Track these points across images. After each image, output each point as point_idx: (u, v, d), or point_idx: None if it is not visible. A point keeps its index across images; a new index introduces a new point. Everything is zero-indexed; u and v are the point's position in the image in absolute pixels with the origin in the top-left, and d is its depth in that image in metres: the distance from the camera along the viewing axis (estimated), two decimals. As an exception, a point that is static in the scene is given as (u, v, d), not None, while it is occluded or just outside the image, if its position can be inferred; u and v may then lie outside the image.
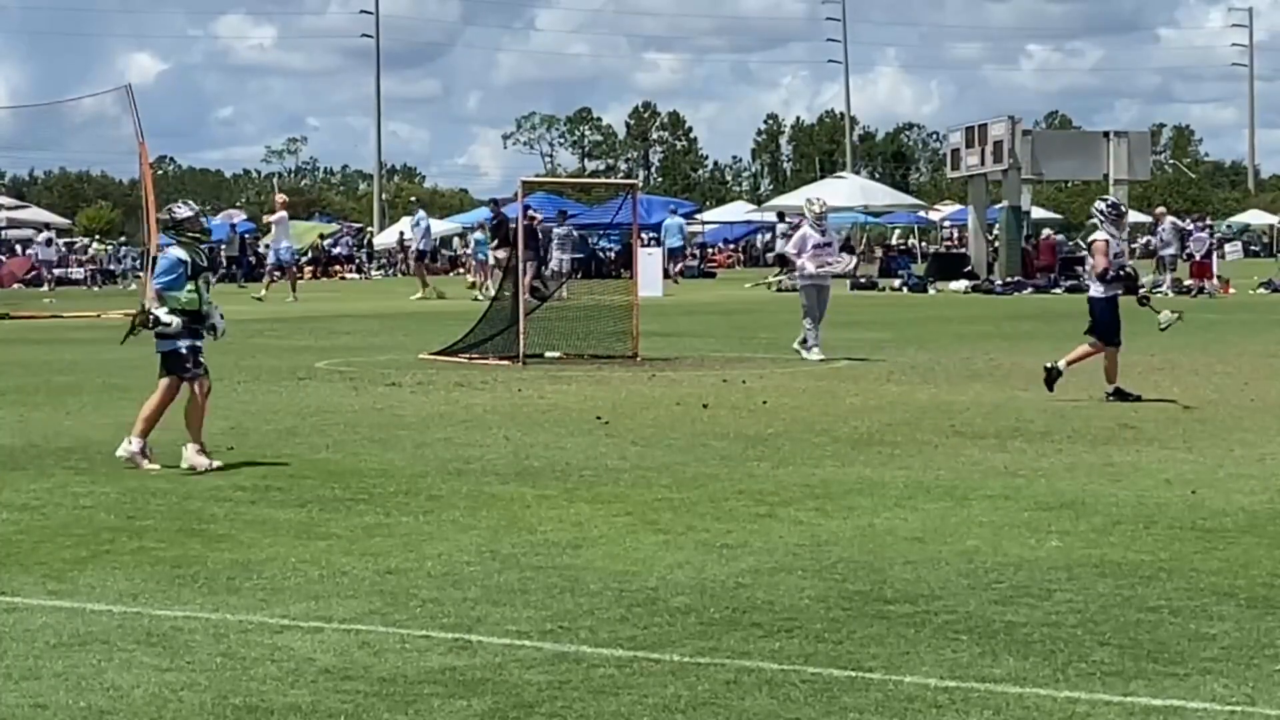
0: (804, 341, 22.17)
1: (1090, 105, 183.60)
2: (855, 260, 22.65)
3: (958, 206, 72.38)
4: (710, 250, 76.45)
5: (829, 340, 22.65)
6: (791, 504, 10.68)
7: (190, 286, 12.43)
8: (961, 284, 48.41)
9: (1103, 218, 17.23)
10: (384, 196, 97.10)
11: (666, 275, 54.14)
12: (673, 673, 6.74)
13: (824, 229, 22.84)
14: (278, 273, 43.21)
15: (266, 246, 69.10)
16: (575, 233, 47.46)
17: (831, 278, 22.86)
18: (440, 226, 76.77)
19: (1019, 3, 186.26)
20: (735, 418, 15.39)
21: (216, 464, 12.28)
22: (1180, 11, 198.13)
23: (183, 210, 12.93)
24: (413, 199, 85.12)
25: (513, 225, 43.14)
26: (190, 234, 12.73)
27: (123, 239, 68.32)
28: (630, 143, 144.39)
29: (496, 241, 41.97)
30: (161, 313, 12.37)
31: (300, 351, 24.15)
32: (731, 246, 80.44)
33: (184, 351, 12.45)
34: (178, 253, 12.56)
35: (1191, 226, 48.44)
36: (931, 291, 47.11)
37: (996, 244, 51.70)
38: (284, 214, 44.72)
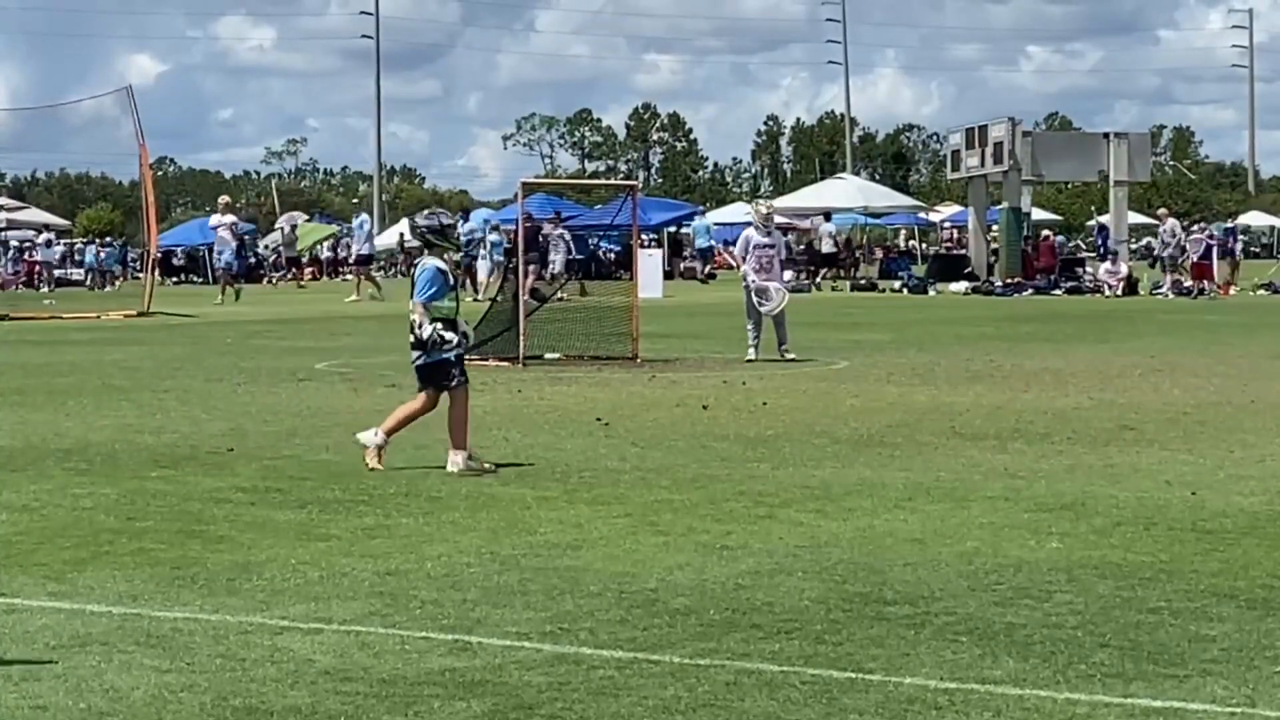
0: (781, 345, 22.20)
1: (1090, 107, 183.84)
2: (784, 300, 22.48)
3: (958, 208, 72.40)
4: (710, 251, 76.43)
5: (826, 341, 22.66)
6: (791, 505, 10.68)
7: (450, 295, 12.40)
8: (961, 285, 48.47)
9: None
10: (384, 197, 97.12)
11: (695, 276, 54.62)
12: (672, 674, 6.74)
13: (769, 230, 23.26)
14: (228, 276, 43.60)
15: (266, 247, 69.40)
16: (567, 235, 47.57)
17: (764, 308, 22.46)
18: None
19: (1019, 4, 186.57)
20: (735, 419, 15.39)
21: (489, 467, 12.26)
22: (1180, 13, 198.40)
23: (446, 219, 12.78)
24: (354, 200, 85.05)
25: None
26: (449, 242, 12.67)
27: (110, 242, 68.41)
28: (630, 144, 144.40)
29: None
30: (435, 329, 12.09)
31: (300, 353, 24.15)
32: (731, 248, 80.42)
33: (452, 360, 12.37)
34: (436, 263, 12.38)
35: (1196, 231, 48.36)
36: (931, 293, 47.13)
37: (995, 245, 51.75)
38: (232, 217, 44.97)
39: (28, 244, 65.46)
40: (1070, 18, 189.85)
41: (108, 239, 69.50)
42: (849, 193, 67.02)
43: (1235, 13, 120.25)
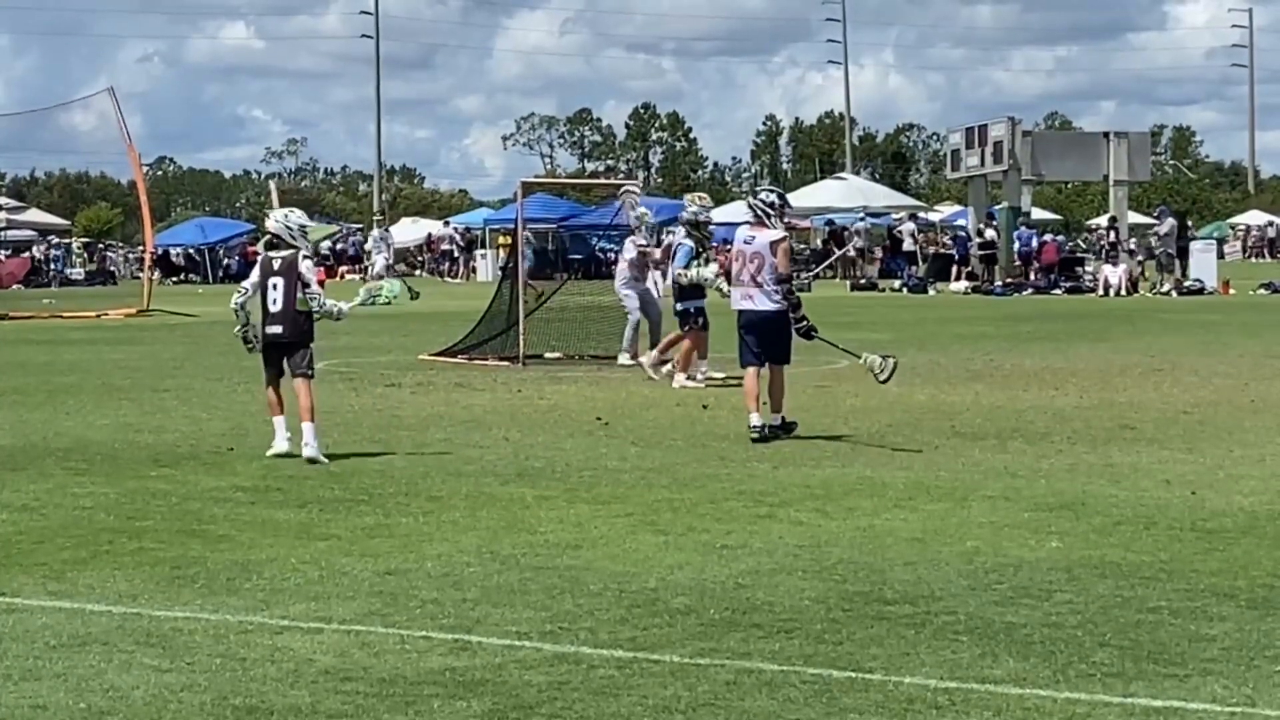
0: None
1: (1089, 108, 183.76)
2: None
3: (958, 207, 72.41)
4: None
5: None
6: (791, 505, 10.68)
7: (699, 263, 18.75)
8: (961, 285, 48.47)
9: None
10: (384, 197, 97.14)
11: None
12: (673, 674, 6.74)
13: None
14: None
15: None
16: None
17: None
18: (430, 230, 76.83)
19: (1018, 4, 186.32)
20: (735, 418, 15.38)
21: (697, 383, 17.60)
22: (1179, 13, 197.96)
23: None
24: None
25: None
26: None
27: (100, 246, 68.61)
28: (630, 143, 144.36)
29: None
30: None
31: (300, 352, 24.10)
32: (729, 247, 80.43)
33: (692, 312, 18.88)
34: (688, 243, 19.09)
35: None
36: (931, 292, 47.14)
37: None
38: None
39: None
40: (1070, 19, 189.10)
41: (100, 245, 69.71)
42: (849, 193, 67.03)
43: (1235, 12, 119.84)
